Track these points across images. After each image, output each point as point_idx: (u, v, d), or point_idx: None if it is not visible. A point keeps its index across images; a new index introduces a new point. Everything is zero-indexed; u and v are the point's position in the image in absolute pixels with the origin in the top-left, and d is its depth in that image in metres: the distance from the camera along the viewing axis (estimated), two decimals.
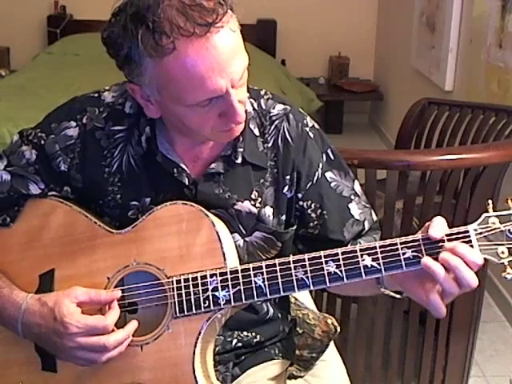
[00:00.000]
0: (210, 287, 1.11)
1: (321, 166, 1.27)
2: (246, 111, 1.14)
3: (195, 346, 1.12)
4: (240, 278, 1.11)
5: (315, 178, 1.26)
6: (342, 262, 1.09)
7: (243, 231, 1.24)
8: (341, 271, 1.09)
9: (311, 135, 1.27)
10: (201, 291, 1.11)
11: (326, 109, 4.95)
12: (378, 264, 1.08)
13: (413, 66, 4.23)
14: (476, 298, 2.12)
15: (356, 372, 2.06)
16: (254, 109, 1.24)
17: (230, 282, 1.11)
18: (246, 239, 1.24)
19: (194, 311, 1.11)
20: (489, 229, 1.06)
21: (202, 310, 1.11)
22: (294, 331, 1.42)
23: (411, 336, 2.10)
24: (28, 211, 1.23)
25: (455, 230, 1.07)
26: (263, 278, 1.10)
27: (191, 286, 1.12)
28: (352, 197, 1.30)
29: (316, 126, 1.30)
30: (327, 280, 1.09)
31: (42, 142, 1.22)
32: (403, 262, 1.07)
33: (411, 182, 1.84)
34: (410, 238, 1.08)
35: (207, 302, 1.11)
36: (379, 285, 1.16)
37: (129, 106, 1.22)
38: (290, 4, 5.12)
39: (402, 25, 4.57)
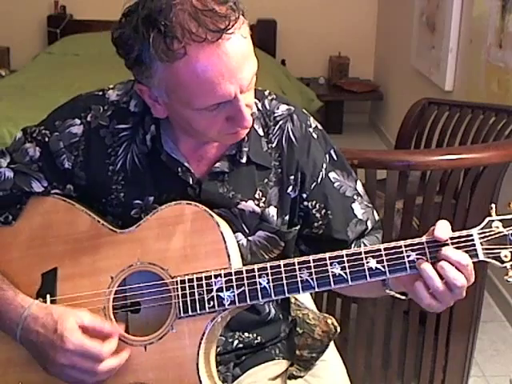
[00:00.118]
0: (215, 287, 1.11)
1: (324, 166, 1.27)
2: (252, 114, 1.15)
3: (199, 347, 1.12)
4: (245, 278, 1.11)
5: (319, 179, 1.26)
6: (346, 264, 1.10)
7: (246, 230, 1.24)
8: (345, 273, 1.09)
9: (315, 136, 1.27)
10: (205, 291, 1.11)
11: (326, 109, 4.95)
12: (383, 266, 1.09)
13: (413, 66, 4.23)
14: (476, 298, 2.12)
15: (356, 372, 2.06)
16: (258, 109, 1.25)
17: (234, 283, 1.11)
18: (249, 238, 1.25)
19: (199, 311, 1.11)
20: (492, 232, 1.08)
21: (207, 310, 1.11)
22: (294, 331, 1.42)
23: (411, 336, 2.10)
24: (30, 209, 1.22)
25: (459, 233, 1.08)
26: (268, 279, 1.11)
27: (196, 287, 1.12)
28: (355, 197, 1.30)
29: (319, 126, 1.30)
30: (332, 282, 1.10)
31: (46, 139, 1.22)
32: (407, 265, 1.08)
33: (411, 182, 1.85)
34: (415, 240, 1.09)
35: (212, 302, 1.11)
36: (384, 286, 1.17)
37: (134, 105, 1.22)
38: (289, 4, 5.13)
39: (402, 25, 4.57)
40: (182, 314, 1.12)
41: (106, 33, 1.12)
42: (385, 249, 1.09)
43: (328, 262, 1.10)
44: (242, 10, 1.06)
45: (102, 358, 1.09)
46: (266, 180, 1.24)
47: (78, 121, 1.22)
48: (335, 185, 1.28)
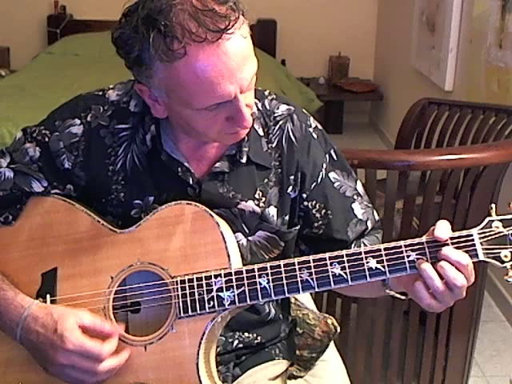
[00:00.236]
0: (215, 287, 1.11)
1: (324, 166, 1.27)
2: (252, 114, 1.15)
3: (199, 346, 1.12)
4: (245, 278, 1.11)
5: (319, 179, 1.27)
6: (346, 264, 1.10)
7: (246, 230, 1.24)
8: (345, 273, 1.10)
9: (315, 136, 1.27)
10: (205, 291, 1.11)
11: (325, 109, 4.95)
12: (383, 266, 1.09)
13: (413, 66, 4.23)
14: (476, 298, 2.13)
15: (356, 372, 2.06)
16: (258, 109, 1.25)
17: (234, 283, 1.11)
18: (249, 238, 1.25)
19: (199, 311, 1.11)
20: (492, 233, 1.08)
21: (207, 310, 1.11)
22: (294, 331, 1.43)
23: (411, 336, 2.10)
24: (30, 209, 1.22)
25: (459, 233, 1.09)
26: (268, 279, 1.11)
27: (196, 287, 1.12)
28: (355, 197, 1.30)
29: (319, 126, 1.30)
30: (332, 282, 1.10)
31: (46, 139, 1.22)
32: (407, 265, 1.09)
33: (411, 182, 1.85)
34: (415, 240, 1.09)
35: (212, 302, 1.11)
36: (384, 286, 1.17)
37: (134, 105, 1.22)
38: (289, 4, 5.13)
39: (401, 25, 4.57)
40: (182, 314, 1.12)
41: (106, 33, 1.13)
42: (385, 249, 1.09)
43: (328, 262, 1.10)
44: (241, 9, 1.06)
45: (101, 357, 1.09)
46: (265, 180, 1.24)
47: (78, 121, 1.22)
48: (335, 185, 1.28)
